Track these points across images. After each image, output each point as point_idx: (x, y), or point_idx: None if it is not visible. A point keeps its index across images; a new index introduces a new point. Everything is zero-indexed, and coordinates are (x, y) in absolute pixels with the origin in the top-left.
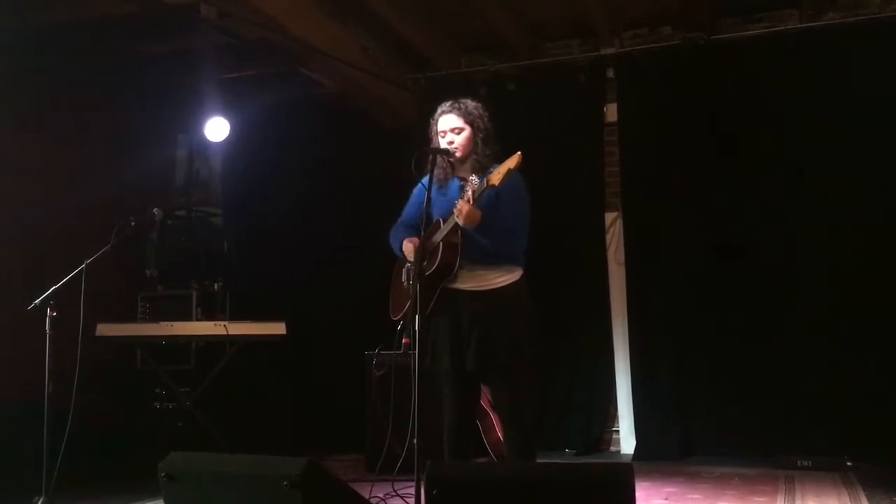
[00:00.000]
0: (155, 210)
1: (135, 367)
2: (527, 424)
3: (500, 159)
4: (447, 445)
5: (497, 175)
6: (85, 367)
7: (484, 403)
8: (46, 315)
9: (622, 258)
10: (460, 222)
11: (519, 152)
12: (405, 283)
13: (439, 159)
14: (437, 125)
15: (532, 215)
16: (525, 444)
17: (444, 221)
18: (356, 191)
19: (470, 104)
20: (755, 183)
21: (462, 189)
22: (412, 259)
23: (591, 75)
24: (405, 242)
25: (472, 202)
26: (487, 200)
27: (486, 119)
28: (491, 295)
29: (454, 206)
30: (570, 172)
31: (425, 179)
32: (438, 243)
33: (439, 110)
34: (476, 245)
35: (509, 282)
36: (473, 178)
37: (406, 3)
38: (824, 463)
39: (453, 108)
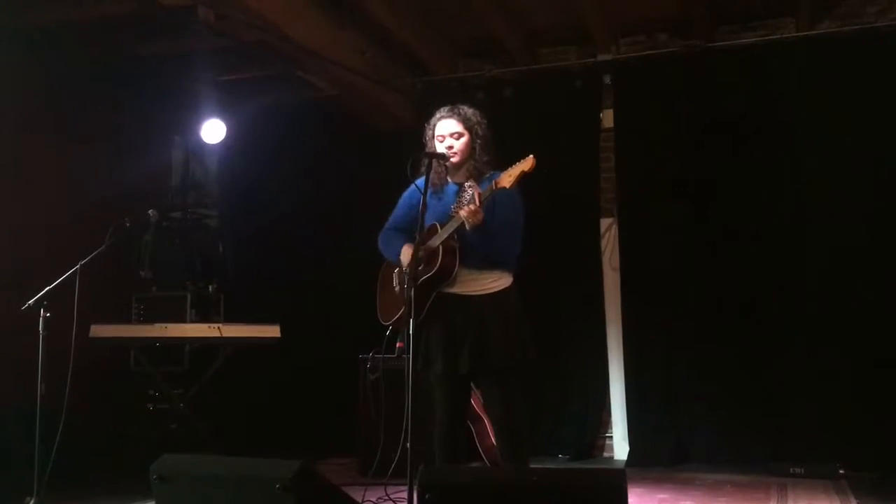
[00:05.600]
0: (150, 211)
1: (128, 369)
2: (519, 428)
3: (497, 166)
4: (438, 450)
5: (508, 178)
6: (78, 367)
7: (478, 408)
8: (40, 315)
9: (617, 264)
10: (467, 224)
11: (532, 156)
12: (397, 288)
13: (435, 164)
14: (434, 129)
15: (527, 223)
16: (517, 448)
17: (442, 225)
18: (352, 194)
19: (469, 110)
20: (751, 190)
21: (460, 193)
22: (408, 265)
23: (588, 81)
24: (405, 248)
25: (479, 204)
26: (486, 204)
27: (484, 126)
28: (484, 299)
29: (453, 208)
30: (566, 178)
31: (419, 182)
32: (437, 247)
33: (437, 115)
34: (471, 249)
35: (501, 287)
36: (470, 183)
37: (404, 8)
38: (816, 470)
39: (453, 113)
